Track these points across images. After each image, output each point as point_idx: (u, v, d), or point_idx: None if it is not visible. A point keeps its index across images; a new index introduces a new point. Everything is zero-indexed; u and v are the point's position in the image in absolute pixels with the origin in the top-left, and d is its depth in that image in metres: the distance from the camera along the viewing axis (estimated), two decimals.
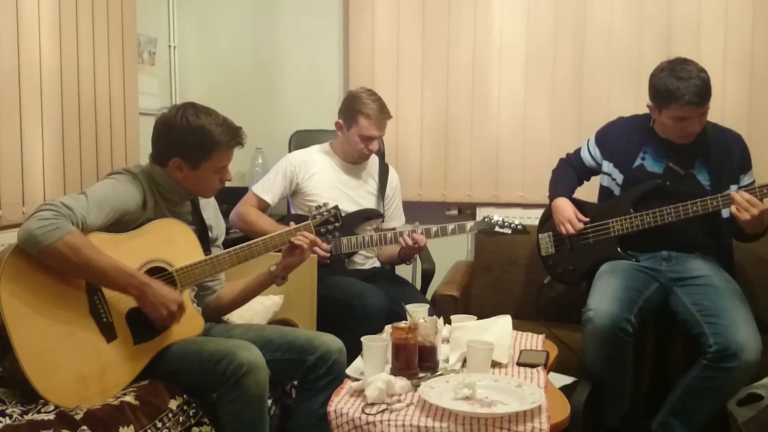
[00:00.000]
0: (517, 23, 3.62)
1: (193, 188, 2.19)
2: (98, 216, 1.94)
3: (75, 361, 1.88)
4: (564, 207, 2.86)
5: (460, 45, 3.68)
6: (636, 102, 2.74)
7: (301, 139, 3.58)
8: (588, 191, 3.02)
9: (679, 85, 2.52)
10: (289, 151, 3.47)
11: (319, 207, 2.38)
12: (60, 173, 2.88)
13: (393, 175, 3.23)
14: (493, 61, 3.66)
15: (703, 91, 2.52)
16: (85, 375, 1.89)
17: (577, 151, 3.01)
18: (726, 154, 2.70)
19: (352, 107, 2.97)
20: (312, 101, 3.90)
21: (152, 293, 1.96)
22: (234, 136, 2.15)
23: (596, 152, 2.91)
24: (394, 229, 3.11)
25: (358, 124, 2.95)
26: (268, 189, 3.05)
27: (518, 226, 2.91)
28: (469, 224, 2.92)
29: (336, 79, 3.90)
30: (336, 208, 2.37)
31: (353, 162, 3.09)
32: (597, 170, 2.94)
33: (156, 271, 2.06)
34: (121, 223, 2.03)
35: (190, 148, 2.11)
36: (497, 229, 2.91)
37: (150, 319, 2.00)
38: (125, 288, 1.94)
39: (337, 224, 2.36)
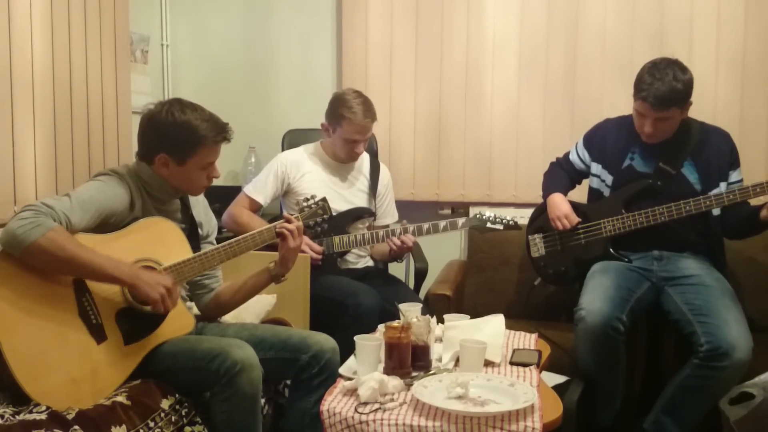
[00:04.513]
0: (510, 23, 3.63)
1: (180, 185, 2.18)
2: (82, 217, 1.92)
3: (65, 364, 1.87)
4: (559, 203, 2.87)
5: (454, 44, 3.69)
6: (628, 100, 2.75)
7: (294, 138, 3.57)
8: (578, 193, 3.03)
9: (649, 81, 2.54)
10: (282, 150, 3.46)
11: (307, 200, 2.37)
12: (52, 172, 2.86)
13: (384, 173, 3.23)
14: (486, 61, 3.67)
15: (664, 97, 2.52)
16: (77, 378, 1.88)
17: (566, 155, 3.02)
18: (714, 152, 2.72)
19: (336, 110, 2.96)
20: (305, 100, 3.90)
21: (142, 282, 1.94)
22: (220, 131, 2.14)
23: (585, 155, 2.92)
24: (387, 226, 3.11)
25: (342, 128, 2.95)
26: (260, 190, 3.05)
27: (510, 222, 2.91)
28: (461, 221, 2.92)
29: (329, 77, 3.91)
30: (324, 200, 2.36)
31: (343, 161, 3.09)
32: (587, 173, 2.95)
33: None
34: (108, 225, 2.02)
35: (176, 143, 2.09)
36: (489, 225, 2.91)
37: (141, 315, 2.00)
38: (113, 279, 1.93)
39: (325, 216, 2.35)
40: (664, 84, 2.52)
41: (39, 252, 1.81)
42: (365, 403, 1.80)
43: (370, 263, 3.18)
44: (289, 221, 2.25)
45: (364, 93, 3.06)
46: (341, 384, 1.93)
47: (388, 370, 1.96)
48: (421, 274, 3.30)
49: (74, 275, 1.92)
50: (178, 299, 2.07)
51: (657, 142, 2.69)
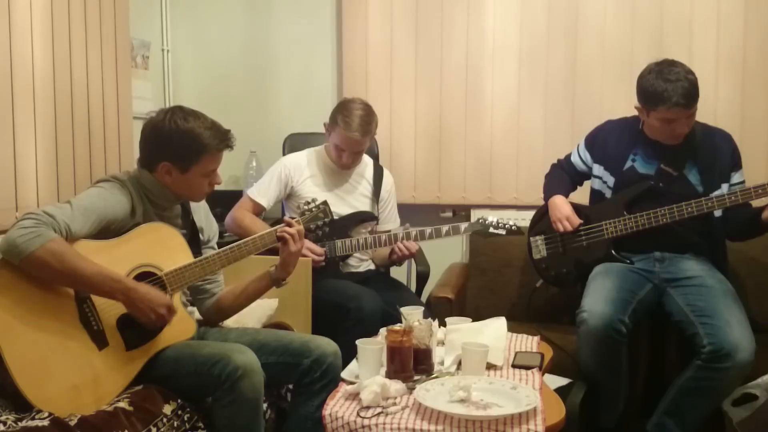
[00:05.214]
0: (510, 25, 3.63)
1: (183, 192, 2.18)
2: (84, 224, 1.92)
3: (67, 370, 1.87)
4: (561, 205, 2.86)
5: (454, 47, 3.69)
6: (629, 102, 2.75)
7: (295, 143, 3.58)
8: (579, 195, 3.02)
9: (667, 87, 2.52)
10: (283, 154, 3.47)
11: (308, 203, 2.37)
12: (53, 178, 2.87)
13: (388, 178, 3.23)
14: (487, 63, 3.67)
15: (690, 93, 2.53)
16: (78, 384, 1.88)
17: (568, 157, 3.02)
18: (716, 153, 2.71)
19: (335, 114, 2.97)
20: (306, 104, 3.90)
21: (139, 297, 1.94)
22: (223, 139, 2.14)
23: (586, 156, 2.92)
24: (388, 231, 3.11)
25: (335, 132, 2.95)
26: (264, 192, 3.05)
27: (513, 227, 2.91)
28: (464, 225, 2.92)
29: (330, 81, 3.91)
30: (324, 203, 2.36)
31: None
32: (588, 174, 2.94)
33: (145, 276, 2.04)
34: (109, 231, 2.01)
35: (179, 151, 2.10)
36: (492, 230, 2.91)
37: (141, 323, 1.99)
38: (111, 294, 1.92)
39: (326, 220, 2.36)
40: (683, 81, 2.52)
41: (37, 263, 1.81)
42: (367, 407, 1.80)
43: (372, 267, 3.18)
44: (289, 225, 2.26)
45: (366, 100, 3.06)
46: (343, 388, 1.93)
47: (390, 374, 1.96)
48: (422, 278, 3.30)
49: (71, 287, 1.92)
50: (179, 309, 2.08)
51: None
